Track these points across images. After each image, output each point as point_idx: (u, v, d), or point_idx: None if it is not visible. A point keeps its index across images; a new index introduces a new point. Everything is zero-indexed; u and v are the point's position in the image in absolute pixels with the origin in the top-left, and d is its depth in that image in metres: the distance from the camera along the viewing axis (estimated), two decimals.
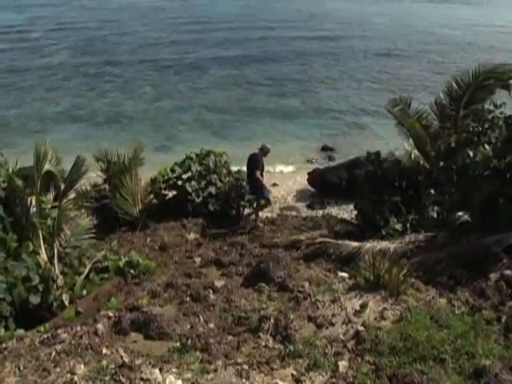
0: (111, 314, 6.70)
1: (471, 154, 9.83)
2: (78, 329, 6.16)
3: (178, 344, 5.96)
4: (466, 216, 9.25)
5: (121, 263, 8.65)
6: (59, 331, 6.13)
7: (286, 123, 24.62)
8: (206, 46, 42.34)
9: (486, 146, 9.71)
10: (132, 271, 8.61)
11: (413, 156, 11.56)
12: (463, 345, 5.45)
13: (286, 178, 18.14)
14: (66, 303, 7.58)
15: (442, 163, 10.67)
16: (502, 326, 5.99)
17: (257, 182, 11.96)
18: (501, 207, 8.46)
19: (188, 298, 7.49)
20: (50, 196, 8.69)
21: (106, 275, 8.51)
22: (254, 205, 12.83)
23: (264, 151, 12.21)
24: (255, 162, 11.98)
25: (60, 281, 7.84)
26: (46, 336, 6.03)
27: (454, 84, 10.91)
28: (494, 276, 7.14)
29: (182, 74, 33.69)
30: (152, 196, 13.04)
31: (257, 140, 21.81)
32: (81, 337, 5.93)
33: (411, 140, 11.55)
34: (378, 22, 53.11)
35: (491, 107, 10.54)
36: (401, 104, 11.45)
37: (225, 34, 47.38)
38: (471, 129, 10.49)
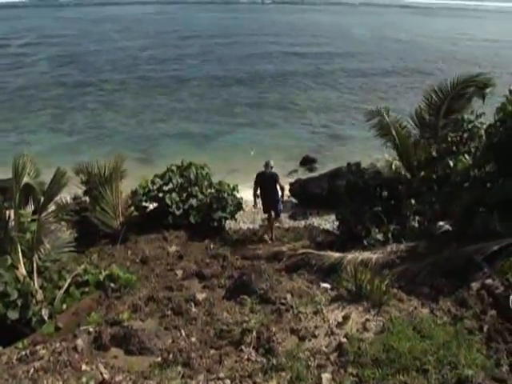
0: (91, 329, 6.56)
1: (451, 163, 9.95)
2: (58, 345, 6.03)
3: (160, 359, 5.86)
4: (447, 225, 9.33)
5: (101, 277, 8.51)
6: (38, 347, 5.99)
7: (267, 134, 24.74)
8: (187, 58, 42.54)
9: (466, 155, 9.84)
10: (113, 285, 8.48)
11: (394, 166, 11.64)
12: (446, 355, 5.45)
13: None
14: (46, 318, 7.43)
15: (422, 173, 10.77)
16: (483, 335, 6.00)
17: (277, 196, 12.53)
18: (481, 216, 8.55)
19: (169, 312, 7.37)
20: (29, 209, 8.55)
21: (87, 289, 8.36)
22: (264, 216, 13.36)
23: (271, 166, 12.47)
24: (275, 177, 12.37)
25: (39, 295, 7.69)
26: (24, 353, 5.88)
27: (432, 94, 11.05)
28: (475, 285, 7.15)
29: (163, 85, 33.75)
30: (133, 208, 12.94)
31: (238, 151, 22.00)
32: (60, 353, 5.80)
33: (392, 150, 11.64)
34: (358, 33, 53.79)
35: (471, 117, 10.68)
36: (378, 115, 11.55)
37: (205, 46, 47.63)
38: (451, 138, 10.62)
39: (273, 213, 12.92)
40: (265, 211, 13.09)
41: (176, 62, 39.54)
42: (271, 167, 12.46)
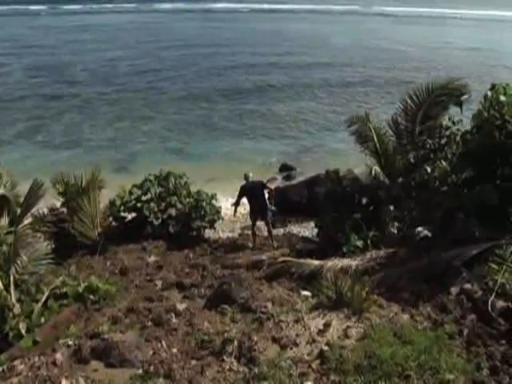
0: (70, 342, 6.49)
1: (429, 169, 10.07)
2: (36, 359, 5.93)
3: (141, 371, 5.82)
4: (425, 231, 9.43)
5: (80, 289, 8.39)
6: (16, 363, 5.89)
7: (246, 142, 24.76)
8: (165, 65, 42.41)
9: (443, 161, 9.96)
10: (92, 297, 8.37)
11: (374, 172, 11.73)
12: (427, 360, 5.50)
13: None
14: (23, 332, 7.28)
15: (401, 179, 10.87)
16: (463, 339, 6.09)
17: (265, 201, 12.75)
18: (459, 222, 8.67)
19: (150, 323, 7.32)
20: (5, 221, 8.41)
21: (65, 301, 8.23)
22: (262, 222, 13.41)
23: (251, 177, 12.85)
24: (260, 184, 12.75)
25: (16, 309, 7.55)
26: (1, 369, 5.78)
27: (408, 100, 11.16)
28: (454, 290, 7.24)
29: (141, 93, 33.53)
30: (111, 219, 12.83)
31: (217, 159, 21.97)
32: (39, 368, 5.71)
33: (370, 157, 11.71)
34: (338, 42, 54.28)
35: (449, 123, 10.81)
36: (359, 122, 11.64)
37: (183, 52, 47.59)
38: (428, 145, 10.73)
39: (259, 221, 13.21)
40: (251, 218, 13.32)
41: (155, 73, 39.32)
42: (249, 178, 12.78)
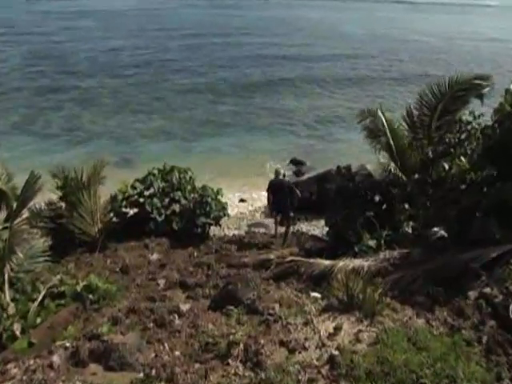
0: (68, 344, 6.48)
1: (447, 166, 9.99)
2: (31, 362, 5.93)
3: (142, 375, 5.80)
4: (441, 231, 9.36)
5: (78, 288, 8.40)
6: (9, 366, 5.88)
7: (253, 135, 24.73)
8: (169, 54, 42.41)
9: (462, 158, 9.88)
10: (91, 296, 8.37)
11: (389, 168, 11.66)
12: (443, 368, 5.45)
13: (254, 194, 18.13)
14: (18, 333, 7.29)
15: (416, 176, 10.80)
16: (483, 347, 6.03)
17: (287, 203, 13.00)
18: (478, 222, 8.59)
19: (152, 324, 7.32)
20: (1, 216, 8.43)
21: (63, 301, 8.25)
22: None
23: (283, 174, 13.50)
24: (287, 185, 13.04)
25: (11, 309, 7.56)
26: None
27: (428, 93, 11.08)
28: (472, 294, 7.18)
29: (144, 83, 33.55)
30: (112, 214, 12.83)
31: (223, 154, 21.97)
32: (34, 371, 5.70)
33: (383, 152, 11.65)
34: (349, 31, 53.99)
35: (469, 118, 10.72)
36: (370, 116, 11.57)
37: (189, 41, 47.58)
38: (447, 140, 10.65)
39: (278, 217, 13.48)
40: (271, 213, 13.68)
41: (160, 63, 39.28)
42: (283, 175, 13.37)
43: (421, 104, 11.26)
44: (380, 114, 11.36)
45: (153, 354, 6.32)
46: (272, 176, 13.78)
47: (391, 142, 11.12)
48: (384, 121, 11.19)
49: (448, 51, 44.17)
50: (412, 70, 37.50)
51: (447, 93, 10.69)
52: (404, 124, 11.59)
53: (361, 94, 32.02)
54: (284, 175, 13.50)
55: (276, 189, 13.00)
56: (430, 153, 10.77)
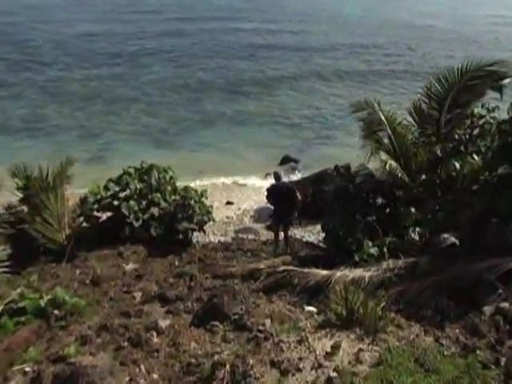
0: (28, 369, 6.39)
1: (458, 165, 10.01)
2: None
3: None
4: (452, 238, 9.38)
5: (42, 302, 8.30)
6: None
7: (242, 131, 24.76)
8: (149, 39, 42.32)
9: (475, 156, 9.90)
10: (56, 312, 8.27)
11: (388, 168, 11.65)
12: None
13: (241, 195, 18.14)
14: None
15: (423, 176, 10.82)
16: (501, 369, 5.97)
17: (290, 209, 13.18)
18: (493, 227, 8.61)
19: (126, 343, 7.26)
20: None
21: (23, 318, 8.12)
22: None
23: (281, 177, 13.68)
24: (292, 192, 13.06)
25: None
26: None
27: (436, 84, 11.07)
28: (488, 309, 7.18)
29: (119, 71, 33.49)
30: (82, 219, 12.77)
31: (208, 151, 21.94)
32: None
33: (386, 150, 11.68)
34: (350, 14, 54.11)
35: (482, 111, 10.72)
36: (368, 107, 11.57)
37: (171, 25, 47.57)
38: (457, 136, 10.66)
39: (280, 228, 13.58)
40: (273, 222, 13.90)
41: (136, 43, 39.22)
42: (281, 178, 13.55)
43: (429, 96, 11.26)
44: (377, 106, 11.38)
45: (127, 378, 6.25)
46: (267, 182, 13.79)
47: (392, 138, 11.14)
48: (382, 115, 11.22)
49: (462, 37, 44.24)
50: (421, 62, 37.59)
51: (456, 83, 10.66)
52: (410, 119, 11.61)
53: (365, 87, 32.08)
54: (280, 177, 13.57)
55: (278, 195, 13.12)
56: (439, 150, 10.78)
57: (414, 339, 6.68)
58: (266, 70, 34.93)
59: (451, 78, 10.74)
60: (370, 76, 34.67)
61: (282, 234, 13.57)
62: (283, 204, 13.09)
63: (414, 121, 11.46)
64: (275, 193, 13.16)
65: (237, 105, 28.34)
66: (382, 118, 11.21)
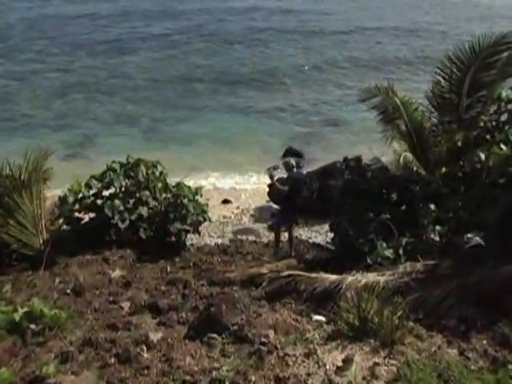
0: None
1: (483, 156, 9.98)
2: None
3: None
4: (477, 238, 9.37)
5: (17, 316, 8.29)
6: None
7: (239, 121, 24.74)
8: (137, 21, 42.11)
9: (503, 145, 9.87)
10: (33, 326, 8.26)
11: (402, 160, 11.62)
12: None
13: (240, 193, 18.13)
14: None
15: (444, 169, 10.80)
16: None
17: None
18: None
19: (113, 360, 7.27)
20: None
21: None
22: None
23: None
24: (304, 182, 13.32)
25: None
26: None
27: (448, 64, 11.01)
28: None
29: (101, 55, 33.42)
30: (61, 221, 12.77)
31: (202, 143, 21.90)
32: None
33: (401, 140, 11.66)
34: None
35: (511, 94, 10.67)
36: (380, 93, 11.54)
37: (158, 3, 47.31)
38: (482, 123, 10.62)
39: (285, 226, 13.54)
40: (277, 223, 13.70)
41: (120, 25, 39.05)
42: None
43: (444, 79, 11.19)
44: (391, 93, 11.34)
45: None
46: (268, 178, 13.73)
47: (409, 127, 11.11)
48: (398, 101, 11.18)
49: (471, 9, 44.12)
50: (432, 34, 37.50)
51: (473, 60, 10.55)
52: (426, 104, 11.57)
53: (372, 64, 32.04)
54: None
55: (299, 187, 12.96)
56: (461, 140, 10.73)
57: (436, 352, 6.67)
58: (268, 57, 34.76)
59: (466, 59, 10.65)
60: (385, 64, 34.32)
61: (284, 235, 13.60)
62: (296, 198, 12.92)
63: (432, 106, 11.40)
64: (298, 185, 12.91)
65: (231, 92, 28.23)
66: (398, 102, 11.15)
